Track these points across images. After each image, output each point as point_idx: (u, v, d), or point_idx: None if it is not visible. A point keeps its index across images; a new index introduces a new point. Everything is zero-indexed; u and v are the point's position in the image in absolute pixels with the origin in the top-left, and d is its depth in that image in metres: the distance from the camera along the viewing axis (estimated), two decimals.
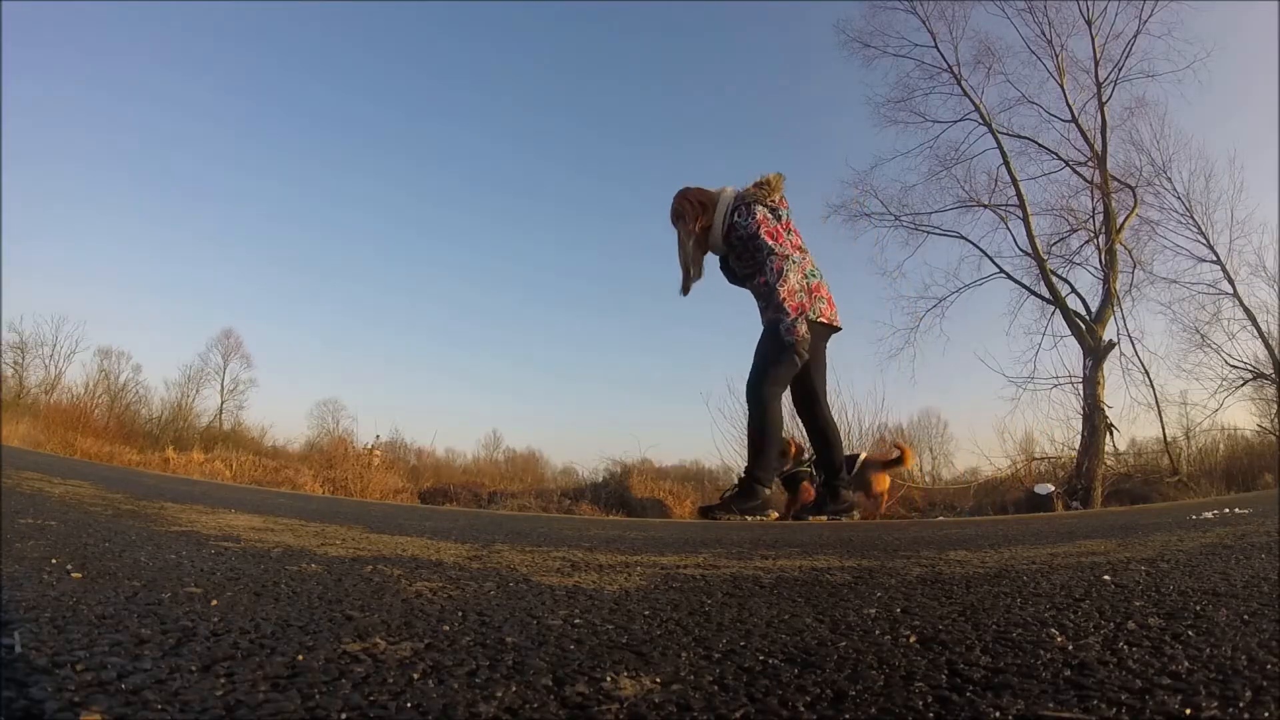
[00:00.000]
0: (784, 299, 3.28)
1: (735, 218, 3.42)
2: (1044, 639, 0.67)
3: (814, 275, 3.41)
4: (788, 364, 3.28)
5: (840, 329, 3.52)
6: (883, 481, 3.97)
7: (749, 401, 3.37)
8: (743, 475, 3.38)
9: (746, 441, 3.41)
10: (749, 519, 3.19)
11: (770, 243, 3.34)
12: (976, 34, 12.17)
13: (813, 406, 3.45)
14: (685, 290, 3.56)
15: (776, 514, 3.46)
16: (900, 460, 4.10)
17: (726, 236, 3.45)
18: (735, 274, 3.59)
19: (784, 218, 3.47)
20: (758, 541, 1.80)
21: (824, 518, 3.37)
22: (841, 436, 3.63)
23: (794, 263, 3.34)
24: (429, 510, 3.33)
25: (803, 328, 3.24)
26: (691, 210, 3.48)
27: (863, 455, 3.99)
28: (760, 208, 3.41)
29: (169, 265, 32.16)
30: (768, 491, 3.37)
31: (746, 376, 3.39)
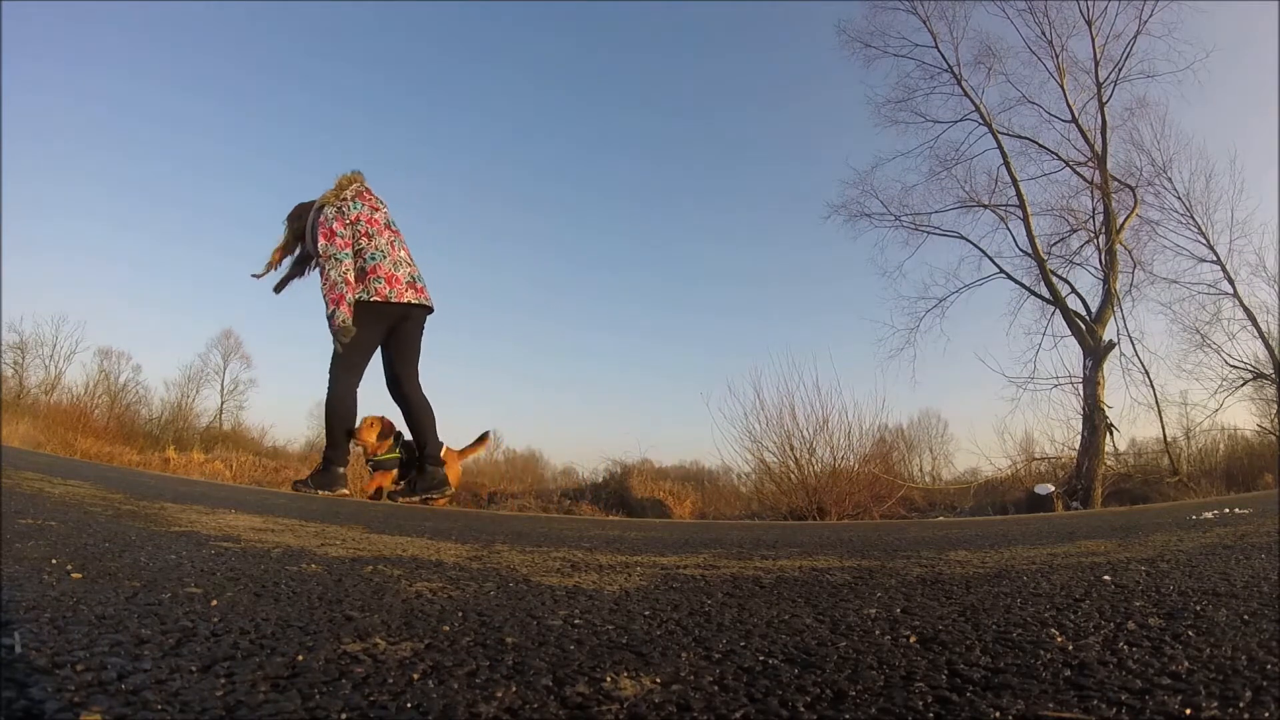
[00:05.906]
0: (324, 294, 3.51)
1: (315, 218, 3.66)
2: (1044, 639, 0.67)
3: (374, 258, 3.59)
4: (337, 351, 3.51)
5: (429, 308, 3.73)
6: (454, 468, 3.94)
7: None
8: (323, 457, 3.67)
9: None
10: (321, 493, 3.46)
11: (323, 243, 3.53)
12: (977, 34, 12.19)
13: (398, 388, 3.69)
14: (277, 289, 3.86)
15: (347, 490, 3.67)
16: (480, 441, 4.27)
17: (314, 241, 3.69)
18: None
19: (359, 209, 3.62)
20: (758, 542, 1.80)
21: (416, 499, 3.65)
22: (435, 416, 3.76)
23: (335, 260, 3.50)
24: (429, 510, 3.33)
25: (340, 317, 3.44)
26: (291, 222, 3.81)
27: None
28: (329, 209, 3.59)
29: (168, 265, 32.11)
30: (341, 470, 3.62)
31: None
